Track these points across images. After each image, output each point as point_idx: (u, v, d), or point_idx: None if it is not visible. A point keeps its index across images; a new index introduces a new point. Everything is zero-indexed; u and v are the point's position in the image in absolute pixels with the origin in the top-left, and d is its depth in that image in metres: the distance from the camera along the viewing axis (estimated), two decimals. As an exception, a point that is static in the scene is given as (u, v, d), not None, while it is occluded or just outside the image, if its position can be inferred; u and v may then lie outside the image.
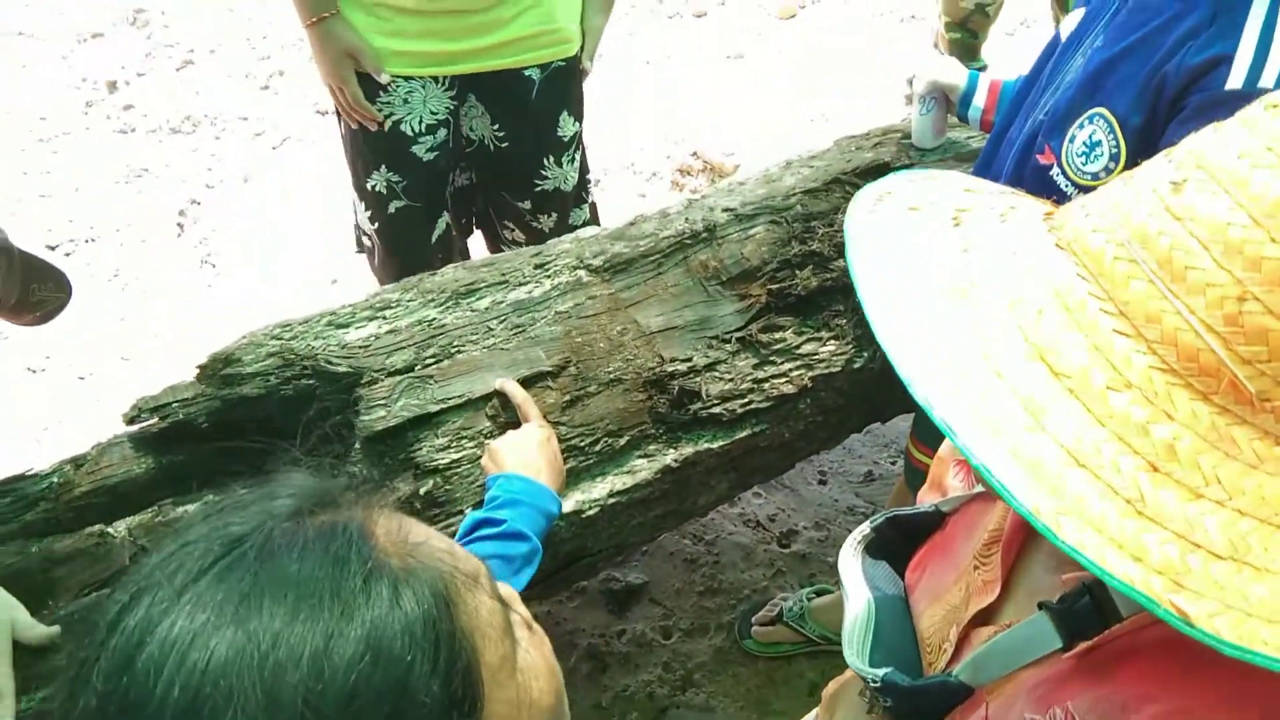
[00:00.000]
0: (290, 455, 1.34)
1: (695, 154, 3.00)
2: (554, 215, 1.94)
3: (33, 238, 2.82)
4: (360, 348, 1.37)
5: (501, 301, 1.45)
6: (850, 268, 0.63)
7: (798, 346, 1.47)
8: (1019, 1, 3.15)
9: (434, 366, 1.38)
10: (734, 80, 3.39)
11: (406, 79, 1.68)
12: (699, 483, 1.50)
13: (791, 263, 1.49)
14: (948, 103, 1.58)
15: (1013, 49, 3.25)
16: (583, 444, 1.40)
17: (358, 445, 1.34)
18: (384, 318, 1.42)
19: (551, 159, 1.85)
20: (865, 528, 0.93)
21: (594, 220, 2.08)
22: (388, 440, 1.34)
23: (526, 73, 1.74)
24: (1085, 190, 1.09)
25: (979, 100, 1.53)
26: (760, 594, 1.91)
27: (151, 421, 1.37)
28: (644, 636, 1.87)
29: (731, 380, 1.45)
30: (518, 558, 1.13)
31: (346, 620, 0.52)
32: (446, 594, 0.56)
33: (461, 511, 1.33)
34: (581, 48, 1.81)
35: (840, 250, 1.50)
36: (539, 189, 1.88)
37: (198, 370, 1.36)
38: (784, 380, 1.46)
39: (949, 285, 0.59)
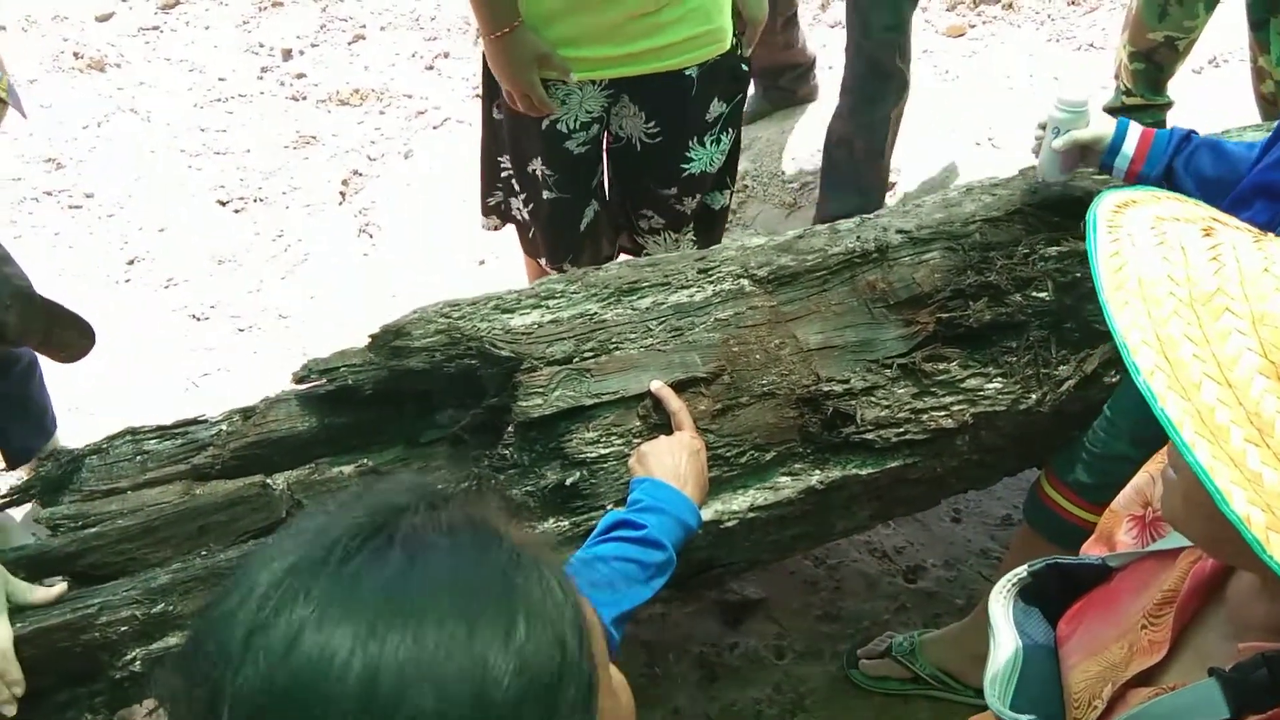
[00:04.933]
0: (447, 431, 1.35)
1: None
2: (696, 197, 1.96)
3: (206, 194, 2.99)
4: (523, 334, 1.39)
5: (663, 303, 1.45)
6: (1091, 256, 0.64)
7: (962, 380, 1.42)
8: (1212, 38, 2.97)
9: (592, 360, 1.39)
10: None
11: (565, 83, 1.71)
12: (841, 508, 1.46)
13: (965, 293, 1.44)
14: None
15: (1201, 88, 3.06)
16: (728, 454, 1.39)
17: (511, 429, 1.36)
18: (547, 307, 1.43)
19: (695, 140, 1.86)
20: (1023, 571, 0.90)
21: (721, 215, 2.07)
22: (540, 428, 1.35)
23: (687, 72, 1.75)
24: None
25: (1129, 148, 1.40)
26: (880, 627, 1.86)
27: (319, 382, 1.42)
28: (756, 653, 1.85)
29: (888, 408, 1.41)
30: (652, 565, 1.13)
31: (513, 611, 0.52)
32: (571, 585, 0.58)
33: (603, 507, 1.34)
34: (739, 39, 1.82)
35: (1019, 285, 1.44)
36: (686, 173, 1.90)
37: (369, 339, 1.40)
38: (943, 414, 1.41)
39: (1193, 290, 0.60)
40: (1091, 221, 0.66)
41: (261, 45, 3.72)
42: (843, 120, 2.53)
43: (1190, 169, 1.37)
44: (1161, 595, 0.75)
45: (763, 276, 1.47)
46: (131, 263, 2.72)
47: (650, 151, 1.86)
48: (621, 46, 1.67)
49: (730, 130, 1.90)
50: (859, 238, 1.49)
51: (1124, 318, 0.59)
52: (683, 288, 1.47)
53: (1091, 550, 0.97)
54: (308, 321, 2.56)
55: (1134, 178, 1.41)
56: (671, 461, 1.24)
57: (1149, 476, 0.91)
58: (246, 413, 1.45)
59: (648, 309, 1.44)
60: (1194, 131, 1.41)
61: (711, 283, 1.47)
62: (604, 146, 1.90)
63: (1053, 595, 0.89)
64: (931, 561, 1.99)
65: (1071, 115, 1.41)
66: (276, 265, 2.73)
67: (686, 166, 1.89)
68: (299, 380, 1.43)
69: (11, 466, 2.03)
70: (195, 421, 1.45)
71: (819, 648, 1.86)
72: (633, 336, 1.41)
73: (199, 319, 2.56)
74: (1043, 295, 1.44)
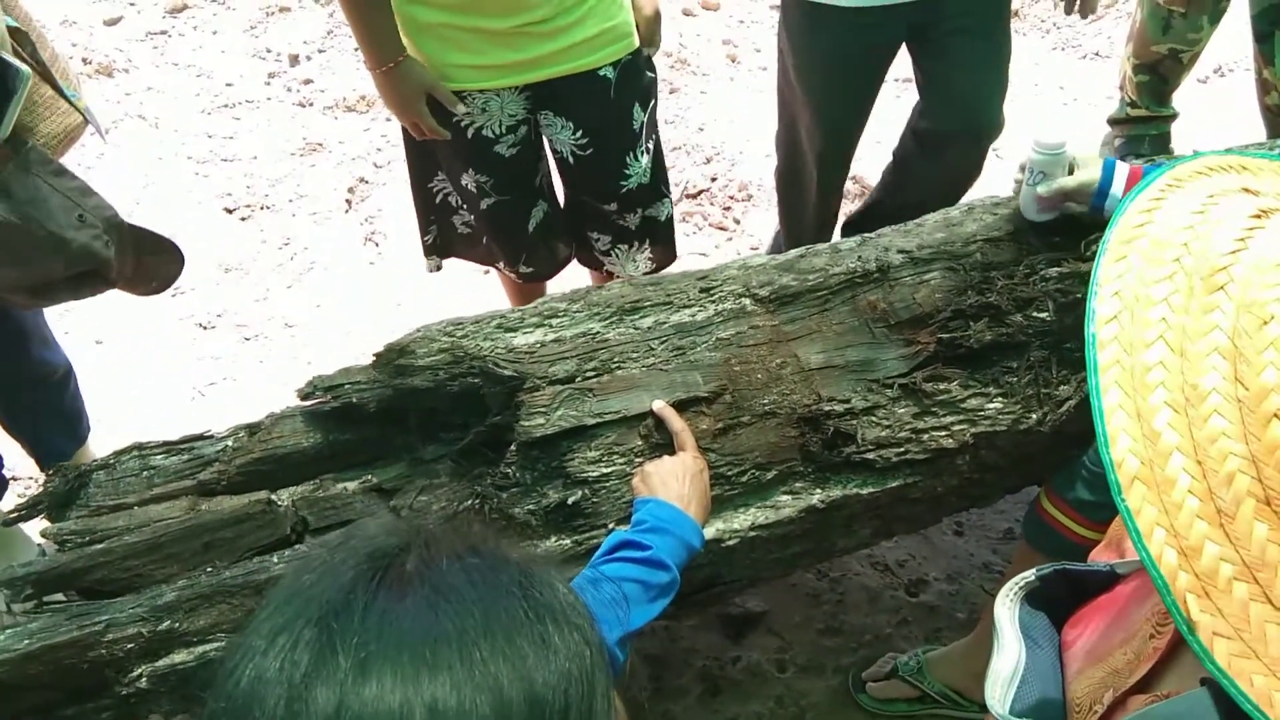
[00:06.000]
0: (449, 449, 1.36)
1: (854, 178, 2.94)
2: (639, 212, 1.98)
3: (213, 201, 3.00)
4: (526, 353, 1.40)
5: (664, 322, 1.46)
6: (1121, 206, 0.63)
7: (963, 400, 1.42)
8: (1218, 47, 2.96)
9: (594, 380, 1.40)
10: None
11: (482, 91, 1.71)
12: (841, 526, 1.47)
13: (965, 313, 1.44)
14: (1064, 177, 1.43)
15: (1206, 98, 3.06)
16: (729, 473, 1.39)
17: (513, 448, 1.37)
18: (550, 326, 1.44)
19: (631, 155, 1.88)
20: (1030, 575, 0.90)
21: (670, 220, 2.08)
22: (542, 447, 1.36)
23: (601, 73, 1.75)
24: None
25: (1118, 189, 1.39)
26: (882, 642, 1.87)
27: (324, 399, 1.43)
28: (758, 666, 1.85)
29: (889, 427, 1.41)
30: (657, 586, 1.14)
31: (542, 622, 0.53)
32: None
33: (605, 526, 1.35)
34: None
35: (1020, 305, 1.44)
36: (624, 190, 1.91)
37: (374, 357, 1.41)
38: (944, 434, 1.41)
39: (1200, 262, 0.57)
40: (1155, 175, 0.65)
41: (269, 51, 3.74)
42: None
43: None
44: None
45: (764, 296, 1.47)
46: (139, 271, 2.73)
47: (585, 165, 1.86)
48: (526, 51, 1.67)
49: (653, 137, 1.93)
50: (860, 257, 1.49)
51: (1110, 269, 0.59)
52: (684, 307, 1.47)
53: (1101, 557, 0.98)
54: (314, 330, 2.57)
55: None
56: (675, 482, 1.25)
57: None
58: (252, 429, 1.46)
59: (650, 328, 1.45)
60: None
61: (713, 302, 1.48)
62: (540, 147, 1.90)
63: (1060, 601, 0.89)
64: (934, 575, 1.99)
65: (1049, 158, 1.41)
66: (283, 274, 2.74)
67: (625, 183, 1.90)
68: (304, 397, 1.44)
69: (45, 470, 2.07)
70: (201, 437, 1.46)
71: (821, 661, 1.87)
72: (635, 356, 1.42)
73: (205, 327, 2.57)
74: (1043, 315, 1.45)
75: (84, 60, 3.61)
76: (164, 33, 3.84)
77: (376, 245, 2.83)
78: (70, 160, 3.16)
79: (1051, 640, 0.86)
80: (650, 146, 1.91)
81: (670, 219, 2.05)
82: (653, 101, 1.88)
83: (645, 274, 2.00)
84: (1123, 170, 1.41)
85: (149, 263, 1.52)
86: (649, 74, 1.86)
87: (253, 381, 2.42)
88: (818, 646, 1.89)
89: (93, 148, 3.23)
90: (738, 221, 2.89)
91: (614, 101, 1.79)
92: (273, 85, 3.58)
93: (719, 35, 3.74)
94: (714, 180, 3.00)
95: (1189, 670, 0.69)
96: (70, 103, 1.44)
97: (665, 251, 2.08)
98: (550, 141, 1.87)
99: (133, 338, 2.53)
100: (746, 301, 1.48)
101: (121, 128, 3.33)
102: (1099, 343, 0.56)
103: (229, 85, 3.59)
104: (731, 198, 2.94)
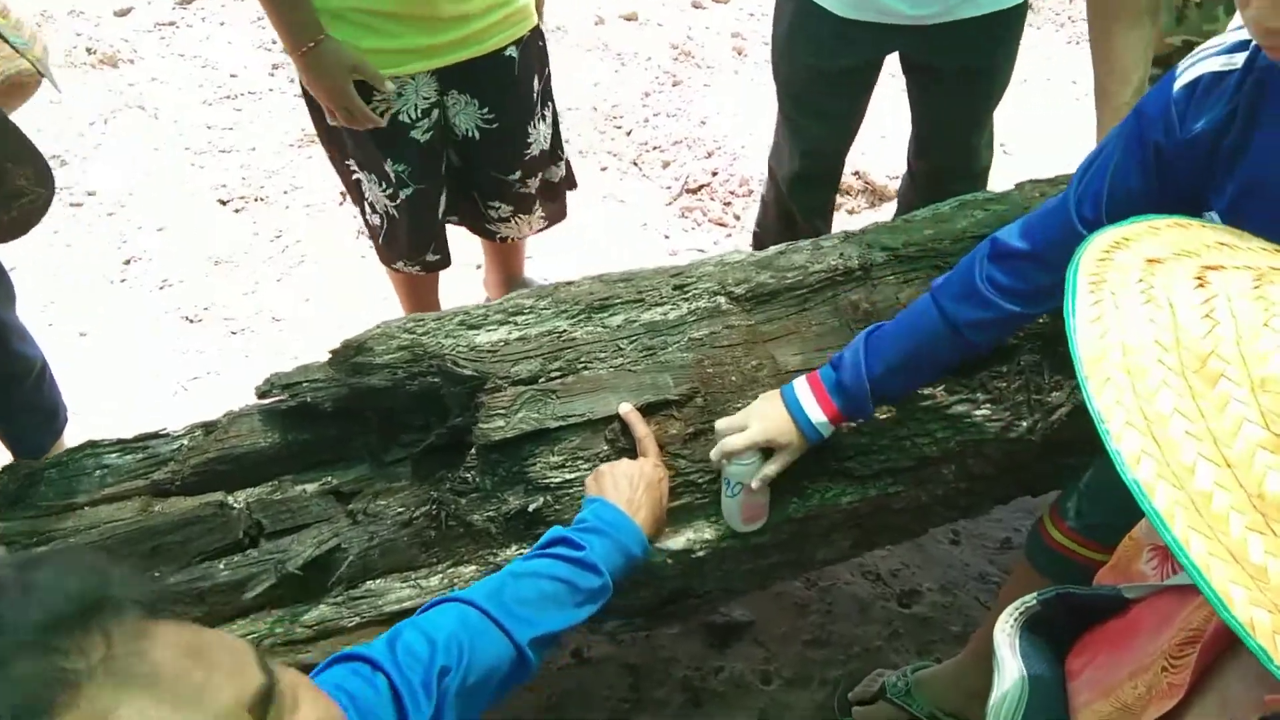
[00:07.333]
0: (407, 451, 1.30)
1: (857, 173, 2.86)
2: (538, 177, 2.02)
3: (207, 193, 2.97)
4: (488, 351, 1.34)
5: (635, 321, 1.39)
6: (1068, 323, 0.57)
7: (948, 406, 1.35)
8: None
9: (558, 381, 1.34)
10: (905, 97, 3.22)
11: (396, 77, 1.71)
12: (820, 537, 1.40)
13: (952, 315, 1.36)
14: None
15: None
16: (701, 481, 1.33)
17: (473, 452, 1.31)
18: (515, 323, 1.38)
19: (531, 124, 1.93)
20: (1031, 599, 0.85)
21: (569, 178, 2.13)
22: (503, 451, 1.31)
23: (506, 53, 1.79)
24: None
25: (827, 433, 1.23)
26: (872, 654, 1.79)
27: (282, 398, 1.38)
28: (742, 678, 1.79)
29: (869, 434, 1.34)
30: (584, 590, 1.07)
31: None
32: None
33: (567, 534, 1.29)
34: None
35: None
36: (527, 156, 1.96)
37: (330, 354, 1.36)
38: (928, 441, 1.34)
39: (1183, 355, 0.53)
40: (1071, 278, 0.59)
41: (274, 42, 3.70)
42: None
43: (884, 364, 1.19)
44: (1184, 635, 0.69)
45: (740, 295, 1.41)
46: (128, 262, 2.70)
47: (490, 138, 1.88)
48: (437, 35, 1.68)
49: (549, 103, 1.97)
50: (842, 255, 1.42)
51: (1105, 397, 0.52)
52: (657, 305, 1.41)
53: (1106, 579, 0.92)
54: (301, 325, 2.53)
55: (841, 420, 1.24)
56: (627, 485, 1.19)
57: None
58: (208, 427, 1.41)
59: (619, 327, 1.38)
60: (872, 329, 1.23)
61: (687, 300, 1.41)
62: (449, 132, 1.89)
63: (1062, 626, 0.84)
64: (927, 586, 1.92)
65: (747, 466, 1.23)
66: (273, 266, 2.70)
67: (528, 151, 1.95)
68: (261, 395, 1.39)
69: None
70: (156, 435, 1.42)
71: (808, 674, 1.80)
72: (603, 356, 1.36)
73: (192, 321, 2.53)
74: (1036, 317, 1.37)
75: (88, 50, 3.59)
76: (172, 24, 3.83)
77: (369, 239, 2.79)
78: (65, 151, 3.15)
79: (1055, 669, 0.82)
80: (547, 113, 1.97)
81: (564, 178, 2.10)
82: (546, 69, 1.93)
83: (537, 232, 2.13)
84: (804, 391, 1.24)
85: (11, 173, 1.24)
86: (540, 43, 1.91)
87: (236, 376, 2.37)
88: (804, 658, 1.82)
89: (90, 138, 3.21)
90: (738, 218, 2.82)
91: (517, 78, 1.84)
92: (276, 76, 3.55)
93: (728, 28, 3.67)
94: (715, 175, 2.93)
95: (1212, 710, 0.64)
96: (16, 50, 1.39)
97: (557, 208, 2.14)
98: (455, 122, 1.87)
99: (117, 330, 2.49)
100: (721, 300, 1.41)
101: (120, 118, 3.31)
102: (1147, 487, 0.50)
103: (233, 76, 3.56)
104: (732, 193, 2.87)
